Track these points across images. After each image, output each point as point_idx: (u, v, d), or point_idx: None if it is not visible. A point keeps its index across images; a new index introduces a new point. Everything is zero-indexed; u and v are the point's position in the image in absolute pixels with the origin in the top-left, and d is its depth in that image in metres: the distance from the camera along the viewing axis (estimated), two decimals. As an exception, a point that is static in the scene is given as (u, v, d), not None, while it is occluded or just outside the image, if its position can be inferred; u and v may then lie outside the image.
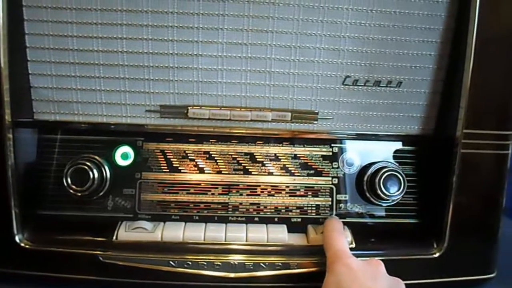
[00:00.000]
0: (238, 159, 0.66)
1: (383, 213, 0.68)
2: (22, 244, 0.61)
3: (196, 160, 0.66)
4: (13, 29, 0.58)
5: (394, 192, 0.65)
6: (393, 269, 0.63)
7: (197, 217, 0.65)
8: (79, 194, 0.62)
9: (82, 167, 0.62)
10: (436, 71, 0.64)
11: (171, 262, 0.60)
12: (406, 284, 0.63)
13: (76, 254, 0.61)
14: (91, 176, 0.62)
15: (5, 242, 0.60)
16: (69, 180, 0.62)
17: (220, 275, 0.60)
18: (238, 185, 0.66)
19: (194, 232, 0.62)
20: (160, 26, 0.60)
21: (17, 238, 0.60)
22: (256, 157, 0.67)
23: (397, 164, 0.68)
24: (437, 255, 0.64)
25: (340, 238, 0.59)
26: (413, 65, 0.63)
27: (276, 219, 0.66)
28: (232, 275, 0.60)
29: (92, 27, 0.60)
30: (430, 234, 0.66)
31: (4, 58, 0.57)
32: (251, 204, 0.66)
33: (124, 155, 0.65)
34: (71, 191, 0.62)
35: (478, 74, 0.60)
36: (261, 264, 0.61)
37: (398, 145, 0.69)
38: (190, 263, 0.60)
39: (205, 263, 0.60)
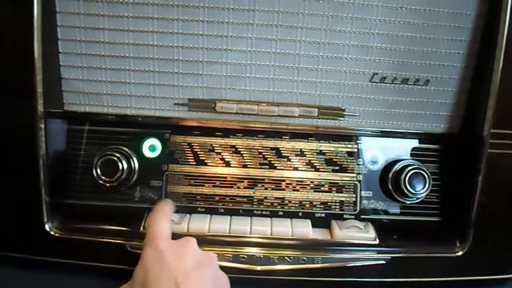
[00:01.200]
0: (264, 153, 0.67)
1: (406, 211, 0.68)
2: (52, 232, 0.62)
3: (222, 154, 0.67)
4: (46, 21, 0.58)
5: (420, 189, 0.65)
6: (415, 266, 0.64)
7: (222, 210, 0.66)
8: (108, 185, 0.63)
9: (112, 158, 0.63)
10: (464, 70, 0.64)
11: (196, 254, 0.61)
12: (429, 282, 0.64)
13: (103, 243, 0.62)
14: (120, 167, 0.63)
15: (36, 230, 0.62)
16: (98, 170, 0.63)
17: (245, 267, 0.61)
18: (263, 179, 0.67)
19: (220, 225, 0.63)
20: (191, 21, 0.60)
21: (47, 226, 0.62)
22: (282, 152, 0.67)
23: (421, 162, 0.68)
24: (459, 253, 0.64)
25: (160, 220, 0.58)
26: (441, 64, 0.63)
27: (300, 214, 0.67)
28: (257, 268, 0.61)
29: (124, 20, 0.61)
30: (453, 232, 0.66)
31: (38, 50, 0.58)
32: (276, 198, 0.67)
33: (151, 147, 0.66)
34: (100, 181, 0.63)
35: (507, 74, 0.60)
36: (285, 257, 0.62)
37: (423, 143, 0.69)
38: (216, 255, 0.61)
39: (230, 256, 0.61)
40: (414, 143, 0.69)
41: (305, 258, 0.62)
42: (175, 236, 0.61)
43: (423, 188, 0.65)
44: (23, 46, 0.58)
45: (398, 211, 0.68)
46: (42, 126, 0.60)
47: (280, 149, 0.67)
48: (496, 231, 0.65)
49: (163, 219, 0.59)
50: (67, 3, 0.60)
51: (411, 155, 0.69)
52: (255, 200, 0.67)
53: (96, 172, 0.63)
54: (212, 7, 0.60)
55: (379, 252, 0.63)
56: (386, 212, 0.68)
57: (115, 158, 0.63)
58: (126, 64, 0.62)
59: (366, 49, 0.62)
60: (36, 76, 0.58)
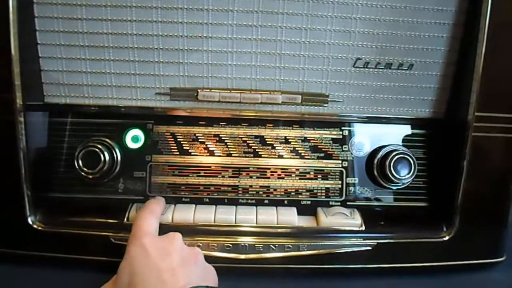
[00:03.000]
0: (248, 141, 0.66)
1: (392, 197, 0.68)
2: (35, 226, 0.61)
3: (206, 143, 0.66)
4: (22, 12, 0.57)
5: (405, 175, 0.65)
6: (401, 251, 0.64)
7: (207, 200, 0.66)
8: (90, 177, 0.63)
9: (93, 149, 0.62)
10: (448, 53, 0.63)
11: (182, 244, 0.61)
12: (415, 267, 0.64)
13: (87, 235, 0.61)
14: (102, 158, 0.62)
15: (18, 224, 0.61)
16: (80, 162, 0.62)
17: (230, 256, 0.61)
18: (248, 167, 0.66)
19: (205, 214, 0.63)
20: (170, 8, 0.60)
21: (29, 220, 0.61)
22: (266, 139, 0.67)
23: (407, 148, 0.67)
24: (446, 238, 0.64)
25: (146, 217, 0.57)
26: (424, 47, 0.62)
27: (285, 202, 0.66)
28: (242, 256, 0.61)
29: (102, 9, 0.60)
30: (440, 217, 0.66)
31: (15, 41, 0.57)
32: (261, 186, 0.66)
33: (134, 138, 0.66)
34: (83, 173, 0.63)
35: (491, 57, 0.60)
36: (271, 246, 0.62)
37: (409, 128, 0.68)
38: (200, 244, 0.61)
39: (215, 245, 0.61)
40: (400, 128, 0.68)
41: (291, 246, 0.62)
42: (161, 226, 0.60)
43: (408, 173, 0.65)
44: (-1, 38, 0.57)
45: (384, 197, 0.68)
46: (22, 119, 0.59)
47: (265, 137, 0.67)
48: (482, 216, 0.65)
49: (151, 216, 0.58)
50: (44, -7, 0.59)
51: (397, 140, 0.68)
52: (240, 189, 0.66)
53: (78, 164, 0.62)
54: (191, -6, 0.59)
55: (365, 238, 0.63)
56: (372, 198, 0.68)
57: (96, 150, 0.62)
58: (105, 54, 0.62)
59: (348, 34, 0.61)
60: (13, 69, 0.57)
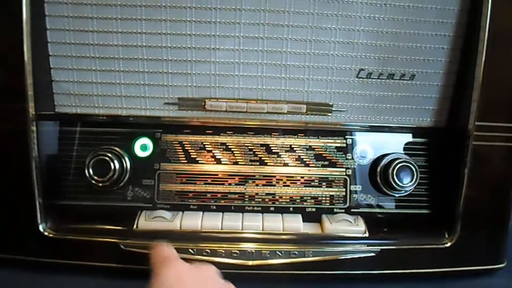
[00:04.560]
0: (254, 150, 0.68)
1: (395, 204, 0.69)
2: (46, 233, 0.62)
3: (213, 151, 0.67)
4: (35, 24, 0.59)
5: (407, 183, 0.66)
6: (404, 258, 0.65)
7: (214, 207, 0.67)
8: (100, 185, 0.64)
9: (104, 158, 0.63)
10: (449, 64, 0.64)
11: (190, 250, 0.62)
12: (418, 273, 0.65)
13: (97, 242, 0.63)
14: (112, 167, 0.63)
15: (29, 231, 0.62)
16: (91, 171, 0.63)
17: (237, 262, 0.62)
18: (254, 175, 0.68)
19: (212, 221, 0.64)
20: (178, 21, 0.61)
21: (40, 227, 0.62)
22: (272, 148, 0.68)
23: (409, 156, 0.68)
24: (448, 245, 0.65)
25: (164, 247, 0.56)
26: (426, 59, 0.64)
27: (291, 209, 0.68)
28: (249, 263, 0.62)
29: (112, 22, 0.61)
30: (442, 224, 0.67)
31: (28, 53, 0.58)
32: (267, 194, 0.67)
33: (143, 146, 0.67)
34: (93, 181, 0.64)
35: (491, 67, 0.61)
36: (277, 252, 0.63)
37: (410, 137, 0.70)
38: (208, 251, 0.62)
39: (223, 251, 0.62)
40: (402, 137, 0.70)
41: (296, 252, 0.63)
42: (169, 233, 0.62)
43: (410, 181, 0.66)
44: (13, 49, 0.58)
45: (387, 204, 0.69)
46: (34, 128, 0.60)
47: (270, 145, 0.68)
48: (483, 222, 0.66)
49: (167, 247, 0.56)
50: (56, 6, 0.61)
51: (399, 149, 0.69)
52: (246, 196, 0.67)
53: (89, 172, 0.63)
54: (199, 7, 0.61)
55: (369, 244, 0.64)
56: (375, 206, 0.69)
57: (107, 158, 0.63)
58: (115, 65, 0.63)
59: (352, 46, 0.63)
60: (26, 79, 0.59)
